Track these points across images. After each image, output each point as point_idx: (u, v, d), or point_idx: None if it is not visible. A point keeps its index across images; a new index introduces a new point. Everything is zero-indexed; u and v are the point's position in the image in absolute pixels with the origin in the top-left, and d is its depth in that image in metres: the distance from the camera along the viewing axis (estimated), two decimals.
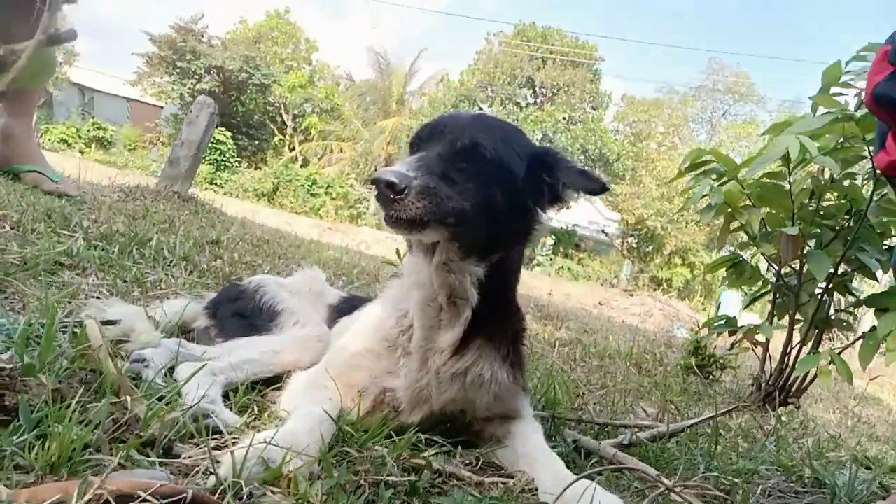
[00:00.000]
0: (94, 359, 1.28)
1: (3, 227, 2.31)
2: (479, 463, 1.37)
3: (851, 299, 3.24)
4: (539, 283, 14.16)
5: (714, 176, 3.26)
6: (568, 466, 1.43)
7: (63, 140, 28.66)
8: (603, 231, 33.72)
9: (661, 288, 30.33)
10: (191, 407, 1.21)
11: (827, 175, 3.07)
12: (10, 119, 3.31)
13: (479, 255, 1.36)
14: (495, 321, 1.43)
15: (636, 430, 1.61)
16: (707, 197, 3.12)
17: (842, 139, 3.03)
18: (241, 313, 1.89)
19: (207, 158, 27.94)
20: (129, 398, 1.18)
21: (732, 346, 3.80)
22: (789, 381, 3.21)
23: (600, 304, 19.30)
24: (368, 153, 33.52)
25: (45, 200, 3.00)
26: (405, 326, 1.43)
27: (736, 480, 1.30)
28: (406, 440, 1.22)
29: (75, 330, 1.46)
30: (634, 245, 33.41)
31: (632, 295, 23.82)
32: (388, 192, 1.20)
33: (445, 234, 1.30)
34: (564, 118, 30.77)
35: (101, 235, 2.70)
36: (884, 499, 1.52)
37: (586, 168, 1.49)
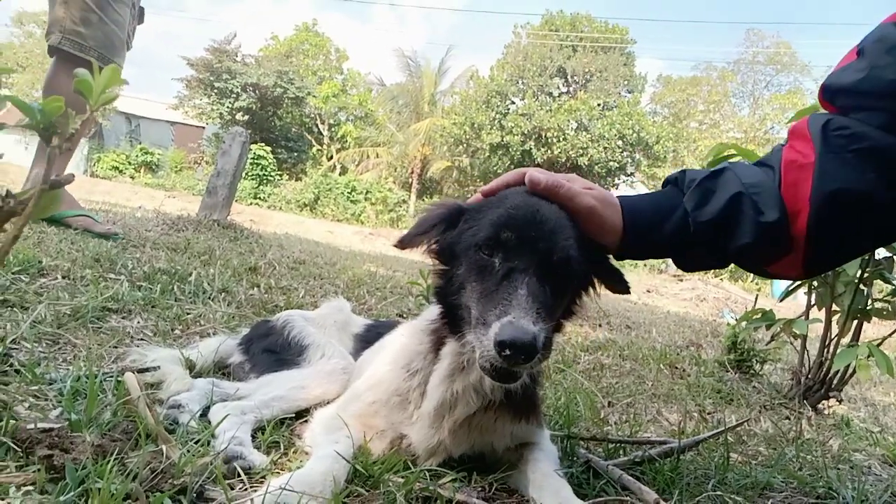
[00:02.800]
0: (134, 409, 1.42)
1: (56, 278, 2.51)
2: (493, 489, 1.43)
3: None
4: None
5: None
6: (580, 488, 1.48)
7: (114, 167, 30.09)
8: None
9: (713, 270, 29.54)
10: (220, 452, 1.32)
11: None
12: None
13: None
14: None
15: (648, 447, 1.64)
16: None
17: None
18: (272, 349, 2.01)
19: (250, 174, 28.82)
20: (165, 446, 1.31)
21: (772, 339, 3.74)
22: (829, 375, 3.14)
23: (648, 291, 18.95)
24: (404, 156, 33.88)
25: (93, 245, 3.22)
26: (415, 383, 1.44)
27: (739, 499, 1.32)
28: (416, 474, 1.30)
29: (119, 378, 1.61)
30: None
31: (681, 280, 23.27)
32: (523, 357, 1.07)
33: None
34: (599, 105, 30.31)
35: (144, 275, 2.89)
36: None
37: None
